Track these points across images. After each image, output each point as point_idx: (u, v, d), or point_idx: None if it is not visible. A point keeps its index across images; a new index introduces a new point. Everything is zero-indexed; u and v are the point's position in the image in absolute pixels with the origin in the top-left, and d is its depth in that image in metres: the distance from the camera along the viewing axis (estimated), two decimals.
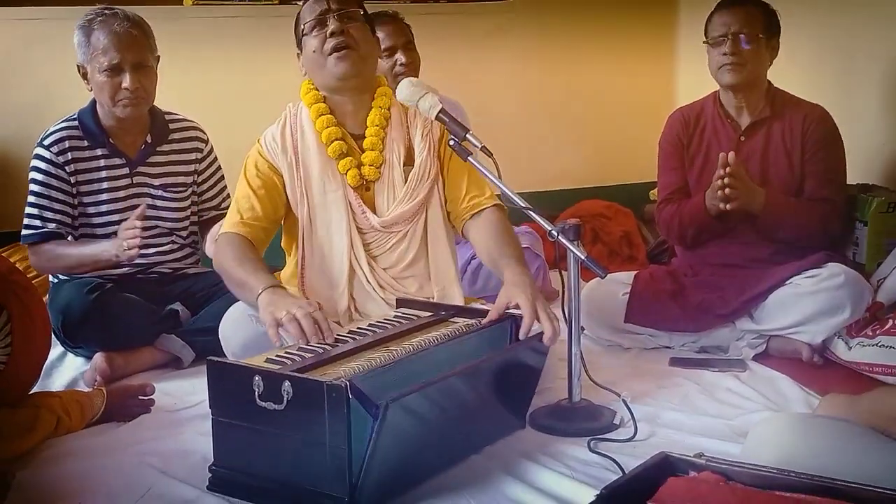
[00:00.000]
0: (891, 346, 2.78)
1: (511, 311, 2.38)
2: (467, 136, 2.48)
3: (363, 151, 2.64)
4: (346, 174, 2.61)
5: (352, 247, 2.62)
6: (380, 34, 3.56)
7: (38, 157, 3.07)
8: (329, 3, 2.59)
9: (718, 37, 3.07)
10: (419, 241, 2.67)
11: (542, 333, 2.29)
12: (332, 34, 2.57)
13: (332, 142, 2.61)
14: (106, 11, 3.02)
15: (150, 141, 3.16)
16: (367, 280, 2.62)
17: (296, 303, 2.28)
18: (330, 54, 2.57)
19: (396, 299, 2.59)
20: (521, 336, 2.31)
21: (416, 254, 2.67)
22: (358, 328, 2.36)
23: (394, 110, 2.69)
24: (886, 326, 2.86)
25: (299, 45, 2.67)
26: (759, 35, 3.07)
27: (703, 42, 3.15)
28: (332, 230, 2.63)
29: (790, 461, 1.78)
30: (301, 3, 2.68)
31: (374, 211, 2.64)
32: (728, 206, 2.95)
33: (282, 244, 2.77)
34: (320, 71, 2.61)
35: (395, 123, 2.67)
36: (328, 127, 2.62)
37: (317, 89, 2.66)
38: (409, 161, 2.66)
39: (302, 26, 2.63)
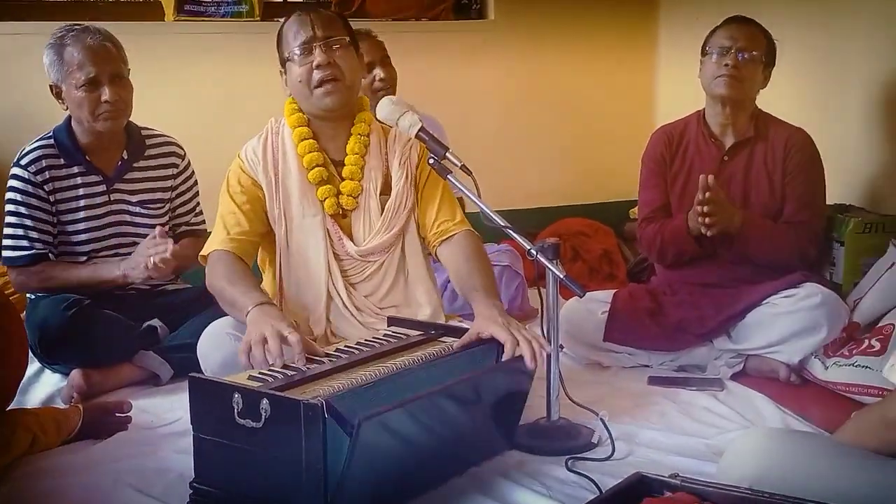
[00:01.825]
0: (867, 366, 2.79)
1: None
2: (447, 154, 2.49)
3: (342, 178, 2.64)
4: (324, 202, 2.61)
5: (329, 273, 2.62)
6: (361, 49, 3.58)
7: (16, 177, 3.05)
8: (315, 30, 2.57)
9: (722, 49, 3.09)
10: (396, 269, 2.68)
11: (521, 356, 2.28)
12: (318, 66, 2.55)
13: (314, 167, 2.61)
14: (76, 27, 3.01)
15: (126, 157, 3.15)
16: (345, 305, 2.62)
17: (274, 325, 2.25)
18: (317, 87, 2.57)
19: (388, 318, 2.59)
20: (505, 359, 2.30)
21: (393, 281, 2.68)
22: (346, 346, 2.37)
23: (373, 137, 2.69)
24: (863, 346, 2.88)
25: (283, 65, 2.65)
26: (760, 58, 3.11)
27: (702, 55, 3.17)
28: (309, 255, 2.63)
29: (766, 475, 1.80)
30: (282, 21, 2.67)
31: (350, 238, 2.64)
32: (707, 232, 2.96)
33: (257, 259, 2.77)
34: (306, 100, 2.61)
35: (374, 151, 2.68)
36: (310, 152, 2.62)
37: (301, 111, 2.66)
38: (385, 190, 2.67)
39: (286, 52, 2.61)
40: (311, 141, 2.63)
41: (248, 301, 2.38)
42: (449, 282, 3.51)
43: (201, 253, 2.63)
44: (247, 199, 2.62)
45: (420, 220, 2.70)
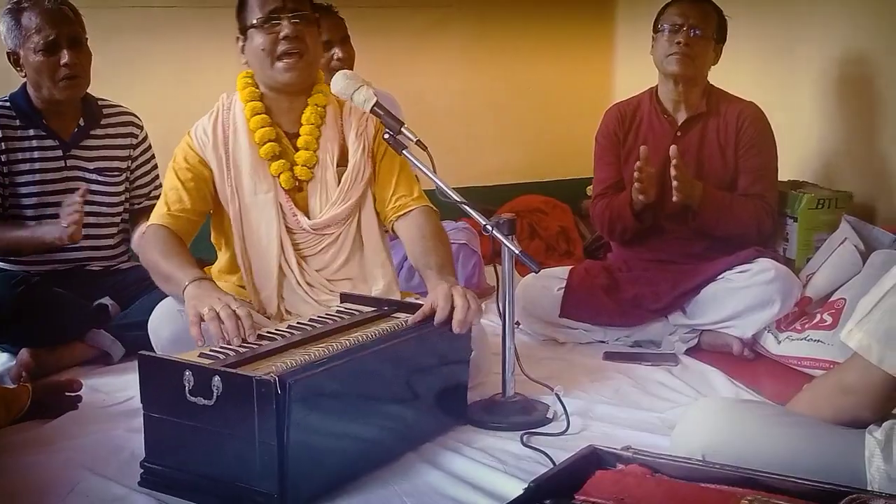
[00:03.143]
0: (819, 340, 2.83)
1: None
2: (402, 129, 2.47)
3: (297, 150, 2.61)
4: (278, 177, 2.59)
5: (282, 248, 2.59)
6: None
7: None
8: (285, 1, 2.53)
9: (673, 26, 3.10)
10: (352, 242, 2.66)
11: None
12: (284, 38, 2.51)
13: (266, 143, 2.58)
14: None
15: (83, 124, 3.12)
16: (297, 282, 2.60)
17: (221, 299, 2.23)
18: (279, 58, 2.53)
19: (340, 294, 2.57)
20: (436, 324, 2.30)
21: (348, 254, 2.66)
22: (298, 322, 2.35)
23: (329, 108, 2.65)
24: (815, 321, 2.92)
25: (243, 32, 2.59)
26: (712, 35, 3.13)
27: (654, 32, 3.18)
28: (261, 231, 2.60)
29: (718, 444, 1.81)
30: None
31: (306, 212, 2.61)
32: (674, 199, 2.98)
33: (211, 239, 2.74)
34: (264, 70, 2.56)
35: (330, 122, 2.65)
36: (263, 127, 2.58)
37: (255, 85, 2.62)
38: (342, 161, 2.64)
39: (251, 19, 2.55)
40: (264, 116, 2.59)
41: (185, 276, 2.35)
42: (406, 259, 3.51)
43: (139, 227, 2.58)
44: (191, 176, 2.59)
45: (377, 195, 2.67)
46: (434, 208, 2.68)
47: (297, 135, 2.62)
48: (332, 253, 2.64)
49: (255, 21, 2.54)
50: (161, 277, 2.47)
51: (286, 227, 2.60)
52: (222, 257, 2.72)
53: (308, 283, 2.61)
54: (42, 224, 2.99)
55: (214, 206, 2.65)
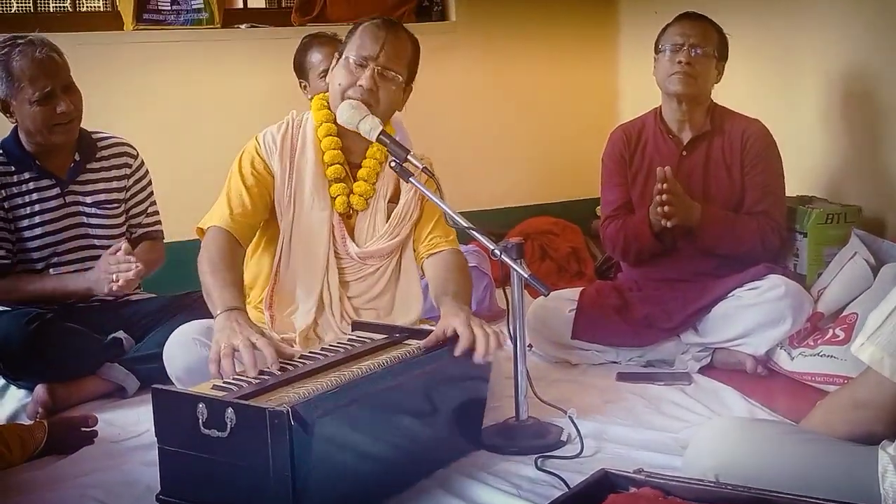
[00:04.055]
0: (832, 356, 2.82)
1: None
2: (408, 157, 2.49)
3: (356, 180, 2.65)
4: (335, 199, 2.62)
5: (327, 269, 2.63)
6: (320, 54, 3.59)
7: None
8: (380, 53, 2.55)
9: (674, 46, 3.12)
10: (389, 277, 2.70)
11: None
12: (360, 85, 2.54)
13: (333, 164, 2.62)
14: (19, 41, 2.95)
15: (78, 159, 3.11)
16: (331, 305, 2.63)
17: (243, 333, 2.22)
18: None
19: (352, 322, 2.59)
20: (457, 353, 2.30)
21: (384, 288, 2.70)
22: (310, 352, 2.35)
23: None
24: (827, 336, 2.91)
25: (339, 55, 2.62)
26: (713, 53, 3.13)
27: (656, 52, 3.19)
28: (311, 248, 2.63)
29: (730, 464, 1.81)
30: (354, 27, 2.63)
31: (353, 238, 2.65)
32: (668, 224, 2.99)
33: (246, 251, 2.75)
34: (335, 104, 2.59)
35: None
36: (333, 149, 2.63)
37: (330, 108, 2.65)
38: (394, 198, 2.69)
39: (346, 52, 2.58)
40: (336, 139, 2.63)
41: (220, 301, 2.36)
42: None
43: (198, 225, 2.59)
44: (255, 182, 2.61)
45: (415, 233, 2.72)
46: (462, 252, 2.73)
47: (359, 166, 2.66)
48: (369, 283, 2.69)
49: (347, 55, 2.58)
50: (204, 290, 2.46)
51: (335, 249, 2.64)
52: (259, 261, 2.73)
53: (340, 312, 2.64)
54: (68, 275, 3.03)
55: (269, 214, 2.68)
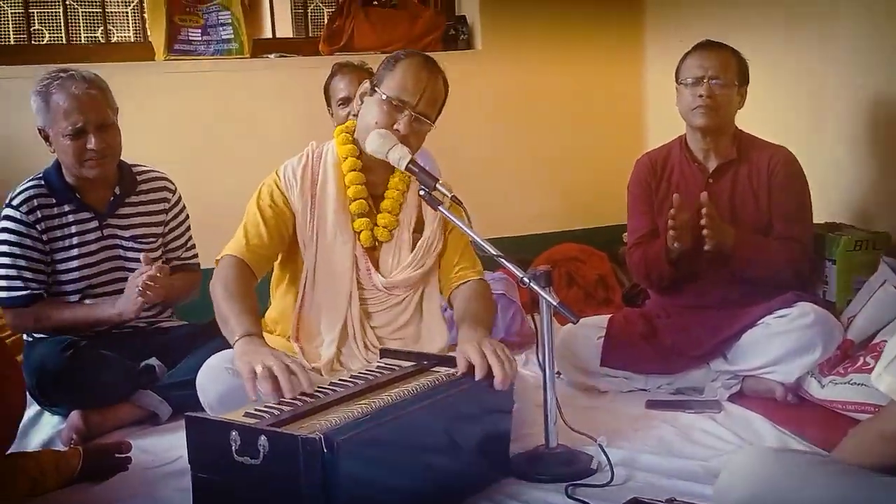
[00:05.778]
0: (862, 384, 2.80)
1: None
2: (437, 185, 2.51)
3: (379, 211, 2.67)
4: (359, 234, 2.64)
5: (350, 302, 2.64)
6: (342, 83, 3.63)
7: (9, 217, 3.06)
8: (419, 100, 2.57)
9: (693, 78, 3.12)
10: (415, 307, 2.72)
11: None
12: (395, 129, 2.56)
13: (357, 199, 2.64)
14: (61, 74, 3.00)
15: (118, 193, 3.16)
16: (355, 336, 2.64)
17: (271, 355, 2.25)
18: None
19: (380, 350, 2.61)
20: (477, 379, 2.31)
21: (409, 318, 2.71)
22: (339, 379, 2.37)
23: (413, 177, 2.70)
24: (858, 364, 2.89)
25: (373, 87, 2.62)
26: (733, 81, 3.13)
27: (677, 83, 3.20)
28: (334, 281, 2.65)
29: (761, 494, 1.80)
30: (392, 60, 2.62)
31: (377, 269, 2.66)
32: (706, 247, 2.99)
33: (271, 284, 2.77)
34: (363, 138, 2.61)
35: (413, 189, 2.69)
36: (357, 184, 2.64)
37: (354, 142, 2.66)
38: (417, 228, 2.70)
39: (384, 88, 2.58)
40: (360, 174, 2.65)
41: (238, 328, 2.37)
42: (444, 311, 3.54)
43: (216, 257, 2.62)
44: (273, 214, 2.63)
45: (442, 264, 2.74)
46: (487, 281, 2.74)
47: (382, 197, 2.68)
48: (394, 314, 2.70)
49: (384, 93, 2.58)
50: (219, 316, 2.47)
51: (358, 281, 2.65)
52: (281, 301, 2.75)
53: (364, 344, 2.65)
54: (98, 302, 3.07)
55: (287, 249, 2.69)
